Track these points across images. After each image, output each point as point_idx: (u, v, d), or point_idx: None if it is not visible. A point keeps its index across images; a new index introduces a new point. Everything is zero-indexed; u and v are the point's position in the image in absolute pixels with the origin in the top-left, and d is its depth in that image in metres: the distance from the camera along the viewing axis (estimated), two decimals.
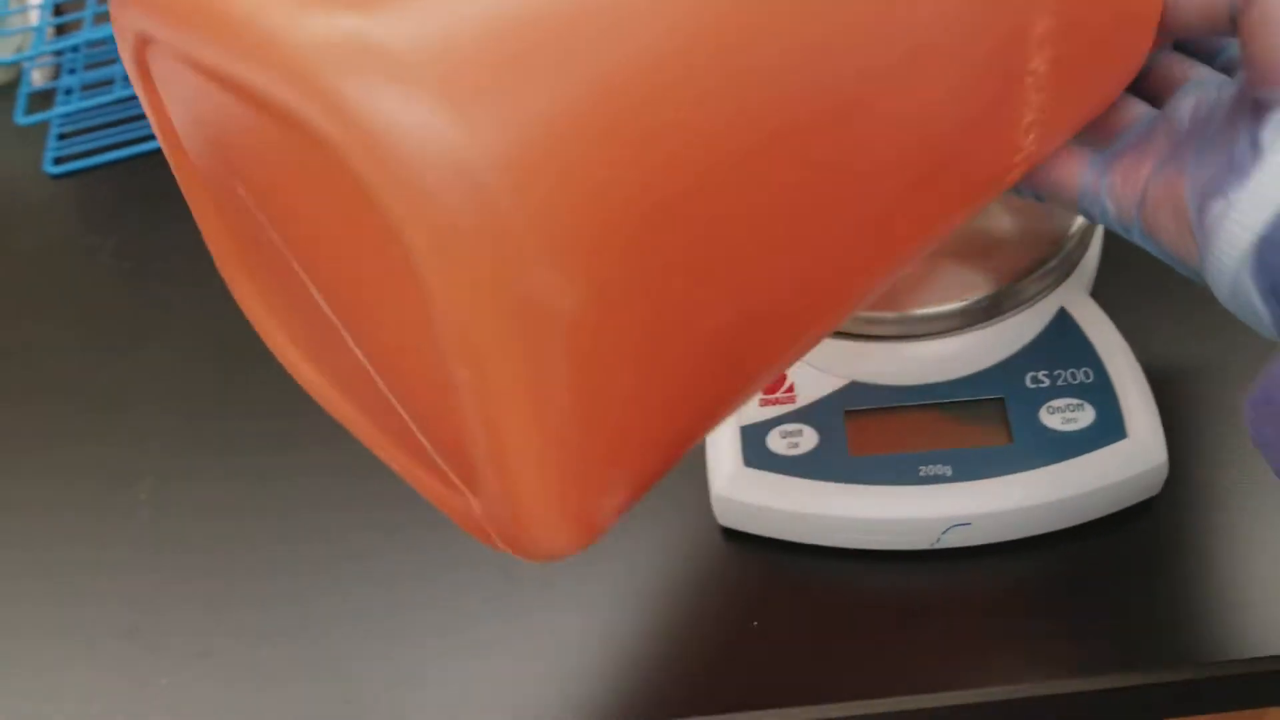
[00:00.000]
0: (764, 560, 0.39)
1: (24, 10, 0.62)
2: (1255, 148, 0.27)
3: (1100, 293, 0.42)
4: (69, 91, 0.61)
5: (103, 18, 0.61)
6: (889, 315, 0.39)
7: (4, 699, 0.39)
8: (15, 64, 0.58)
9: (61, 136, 0.60)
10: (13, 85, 0.63)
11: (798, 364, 0.40)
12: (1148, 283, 0.45)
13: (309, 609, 0.40)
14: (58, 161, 0.59)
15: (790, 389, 0.40)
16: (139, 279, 0.53)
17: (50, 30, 0.63)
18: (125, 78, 0.59)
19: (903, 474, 0.37)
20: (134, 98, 0.58)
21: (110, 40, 0.58)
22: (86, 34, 0.56)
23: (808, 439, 0.38)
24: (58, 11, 0.64)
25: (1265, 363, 0.27)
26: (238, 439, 0.46)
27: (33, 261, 0.55)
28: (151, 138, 0.59)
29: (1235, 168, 0.27)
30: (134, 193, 0.57)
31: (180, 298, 0.52)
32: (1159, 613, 0.36)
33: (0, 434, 0.48)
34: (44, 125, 0.60)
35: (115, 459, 0.46)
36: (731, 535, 0.39)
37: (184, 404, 0.47)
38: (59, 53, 0.62)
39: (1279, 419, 0.26)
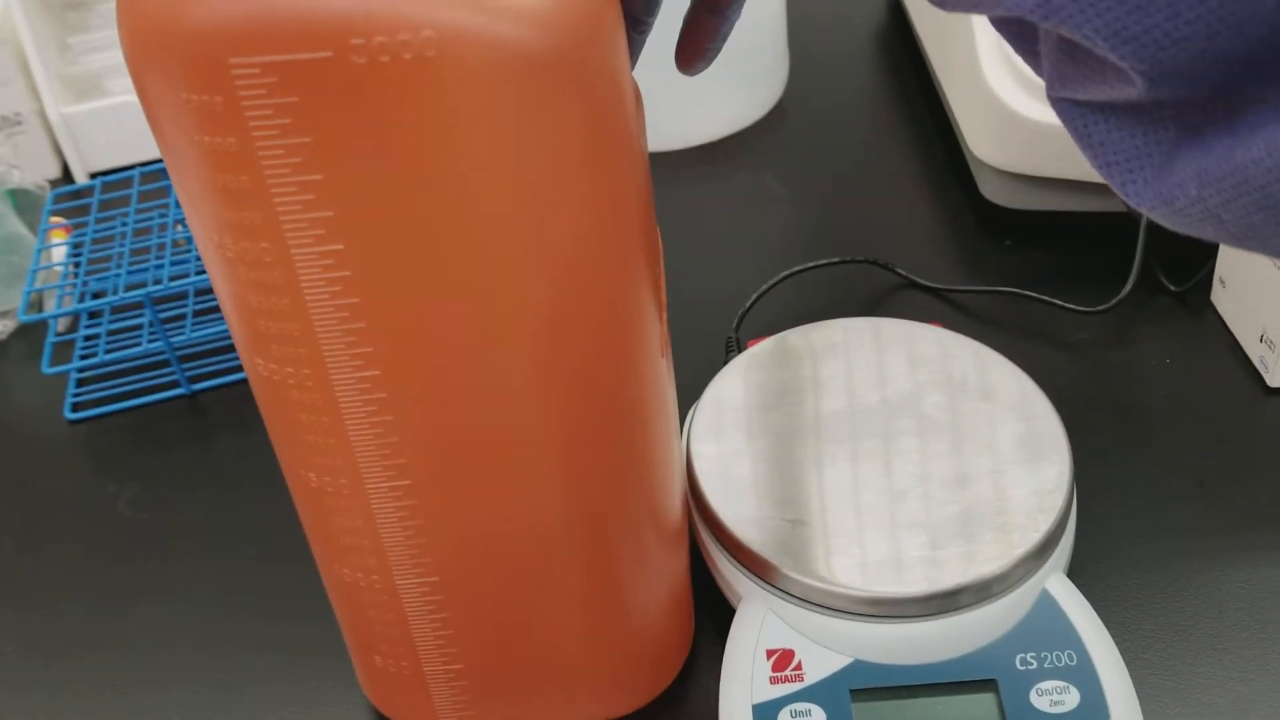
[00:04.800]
0: None
1: (50, 267, 0.65)
2: None
3: (1076, 572, 0.46)
4: (89, 338, 0.64)
5: (134, 285, 0.64)
6: (888, 596, 0.43)
7: None
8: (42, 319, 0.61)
9: (80, 383, 0.63)
10: (38, 328, 0.66)
11: (806, 641, 0.43)
12: (1120, 560, 0.49)
13: None
14: (76, 408, 0.62)
15: (799, 666, 0.43)
16: (155, 530, 0.55)
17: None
18: (151, 331, 0.62)
19: None
20: (157, 350, 0.61)
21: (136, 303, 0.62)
22: (111, 299, 0.60)
23: (816, 718, 0.41)
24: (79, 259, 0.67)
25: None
26: (256, 690, 0.47)
27: (50, 508, 0.57)
28: (168, 386, 0.62)
29: None
30: (150, 440, 0.60)
31: (197, 550, 0.54)
32: None
33: (18, 690, 0.49)
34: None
35: (134, 711, 0.47)
36: None
37: (202, 656, 0.49)
38: (81, 298, 0.65)
39: None
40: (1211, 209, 0.25)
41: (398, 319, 0.31)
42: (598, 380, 0.35)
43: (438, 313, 0.32)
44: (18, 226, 0.68)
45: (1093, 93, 0.26)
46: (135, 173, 0.68)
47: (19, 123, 0.76)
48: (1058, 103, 0.27)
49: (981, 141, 0.64)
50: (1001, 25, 0.28)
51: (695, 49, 0.39)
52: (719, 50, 0.39)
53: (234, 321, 0.34)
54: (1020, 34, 0.28)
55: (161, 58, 0.28)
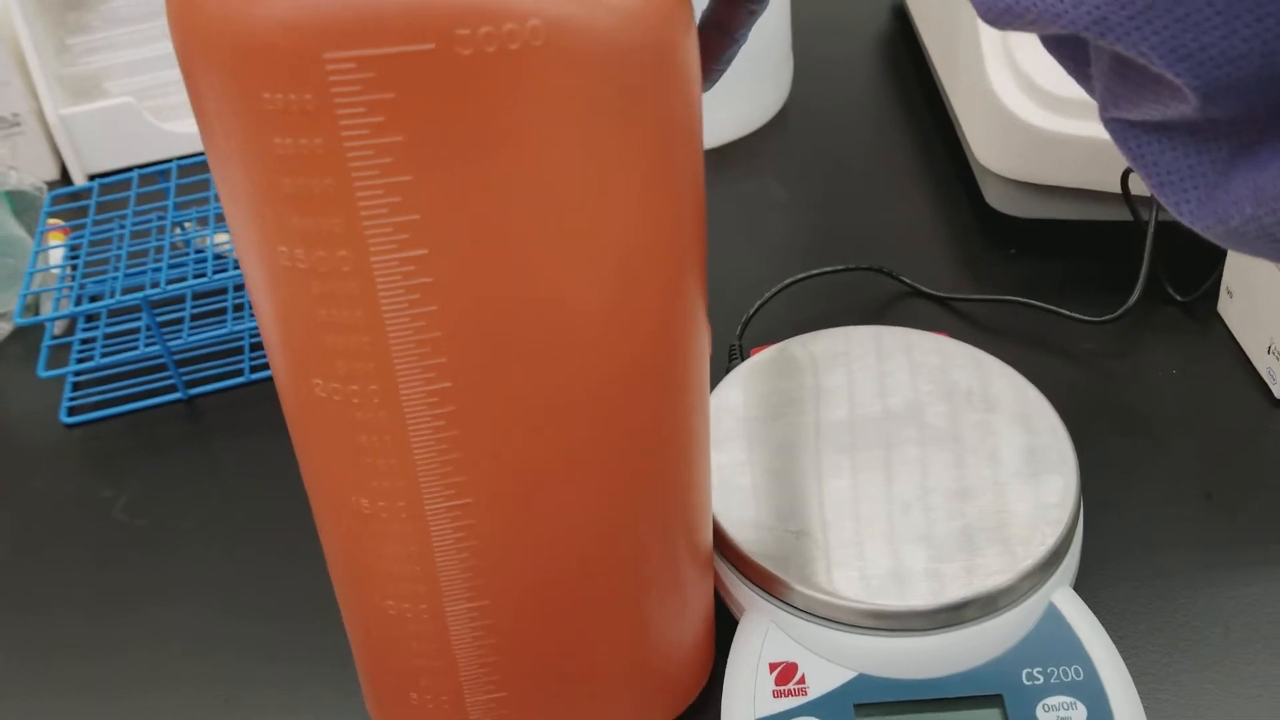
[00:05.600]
0: None
1: (47, 269, 0.65)
2: None
3: (1082, 586, 0.46)
4: (86, 342, 0.64)
5: (131, 288, 0.64)
6: (893, 610, 0.42)
7: None
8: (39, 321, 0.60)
9: (76, 386, 0.62)
10: (35, 331, 0.66)
11: (810, 655, 0.42)
12: (1126, 574, 0.48)
13: None
14: (72, 412, 0.61)
15: (802, 680, 0.42)
16: (151, 535, 0.55)
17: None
18: (148, 335, 0.62)
19: None
20: (154, 354, 0.61)
21: (135, 307, 0.61)
22: (108, 302, 0.59)
23: None
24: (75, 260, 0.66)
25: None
26: (255, 696, 0.47)
27: (46, 513, 0.57)
28: (166, 390, 0.61)
29: None
30: (146, 444, 0.59)
31: (193, 555, 0.53)
32: None
33: (9, 696, 0.48)
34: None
35: (129, 717, 0.47)
36: None
37: (199, 661, 0.49)
38: (79, 301, 0.65)
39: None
40: (1266, 227, 0.24)
41: (471, 326, 0.30)
42: (658, 388, 0.35)
43: (510, 316, 0.31)
44: (15, 228, 0.67)
45: (1146, 112, 0.26)
46: (134, 175, 0.68)
47: (17, 123, 0.76)
48: (1110, 123, 0.27)
49: (987, 149, 0.64)
50: (1054, 46, 0.28)
51: (701, 69, 0.38)
52: (724, 72, 0.38)
53: (290, 341, 0.32)
54: (1073, 55, 0.28)
55: (235, 55, 0.27)
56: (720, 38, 0.37)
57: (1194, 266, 0.60)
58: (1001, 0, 0.26)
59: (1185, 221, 0.26)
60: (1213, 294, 0.60)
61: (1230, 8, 0.22)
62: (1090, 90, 0.28)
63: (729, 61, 0.38)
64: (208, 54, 0.27)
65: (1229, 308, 0.59)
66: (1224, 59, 0.23)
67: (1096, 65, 0.27)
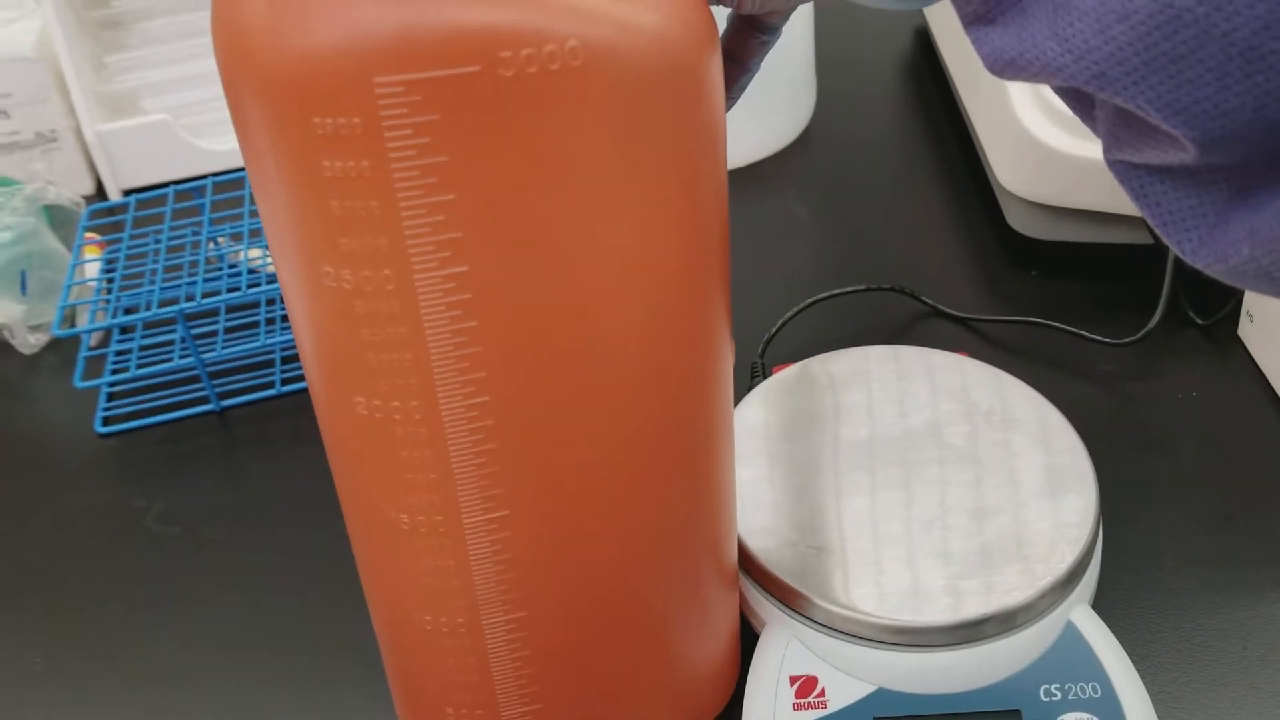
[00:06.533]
0: None
1: (84, 282, 0.66)
2: None
3: (1101, 604, 0.46)
4: (121, 353, 0.65)
5: (166, 301, 0.65)
6: (913, 625, 0.43)
7: None
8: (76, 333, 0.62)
9: (111, 397, 0.64)
10: (71, 342, 0.67)
11: (830, 669, 0.43)
12: (1145, 593, 0.49)
13: None
14: (106, 422, 0.62)
15: (822, 693, 0.43)
16: (183, 544, 0.56)
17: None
18: (183, 347, 0.63)
19: None
20: (188, 366, 0.62)
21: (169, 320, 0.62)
22: (144, 314, 0.61)
23: None
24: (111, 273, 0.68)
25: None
26: (284, 708, 0.48)
27: (80, 521, 0.58)
28: (198, 402, 0.62)
29: None
30: (179, 455, 0.60)
31: (224, 565, 0.54)
32: None
33: (43, 702, 0.49)
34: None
35: None
36: None
37: (228, 671, 0.50)
38: (114, 313, 0.66)
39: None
40: (1264, 267, 0.25)
41: (509, 341, 0.31)
42: (687, 400, 0.36)
43: (544, 328, 0.31)
44: (53, 242, 0.69)
45: (1147, 156, 0.27)
46: (169, 190, 0.69)
47: (55, 139, 0.77)
48: (1114, 164, 0.28)
49: (1009, 172, 0.64)
50: (1060, 91, 0.29)
51: None
52: (738, 99, 0.40)
53: (332, 360, 0.33)
54: (1078, 98, 0.29)
55: (286, 82, 0.28)
56: (733, 67, 0.38)
57: (1215, 290, 0.60)
58: (1006, 54, 0.27)
59: (1187, 259, 0.27)
60: (1233, 317, 0.60)
61: (1222, 65, 0.23)
62: (1096, 131, 0.29)
63: (743, 89, 0.39)
64: (257, 81, 0.28)
65: (1249, 331, 0.59)
66: (1217, 112, 0.24)
67: (1101, 110, 0.28)
